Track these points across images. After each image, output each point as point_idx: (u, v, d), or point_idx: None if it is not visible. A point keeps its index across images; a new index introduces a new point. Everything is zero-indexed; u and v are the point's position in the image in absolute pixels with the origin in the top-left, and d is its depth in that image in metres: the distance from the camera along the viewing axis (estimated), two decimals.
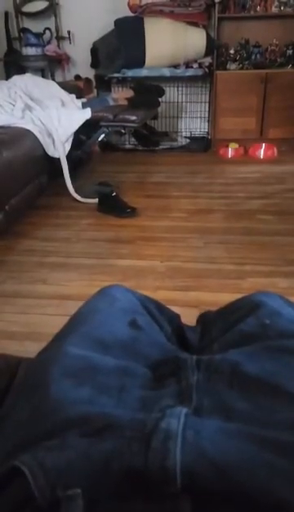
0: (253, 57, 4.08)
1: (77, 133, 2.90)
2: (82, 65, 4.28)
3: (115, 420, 0.42)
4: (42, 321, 1.68)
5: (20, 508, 0.38)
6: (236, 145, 4.10)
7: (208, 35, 3.91)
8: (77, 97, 3.30)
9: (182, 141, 4.39)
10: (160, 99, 3.66)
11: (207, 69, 4.04)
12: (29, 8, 4.20)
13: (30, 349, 1.48)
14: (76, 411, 0.45)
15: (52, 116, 2.79)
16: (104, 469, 0.37)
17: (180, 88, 4.28)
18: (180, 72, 4.03)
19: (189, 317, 0.93)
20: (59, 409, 0.46)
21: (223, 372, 0.51)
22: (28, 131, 2.65)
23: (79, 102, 3.16)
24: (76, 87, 3.64)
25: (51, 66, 4.28)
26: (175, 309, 0.83)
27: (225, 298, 1.90)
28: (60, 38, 4.30)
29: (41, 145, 2.71)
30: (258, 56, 4.08)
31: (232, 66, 4.08)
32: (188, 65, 4.04)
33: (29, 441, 0.43)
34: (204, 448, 0.38)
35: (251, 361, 0.52)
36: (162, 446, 0.37)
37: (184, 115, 4.46)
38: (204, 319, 0.88)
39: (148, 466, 0.36)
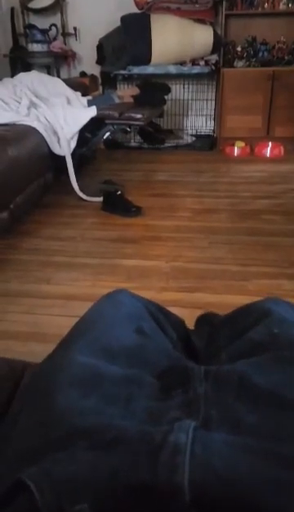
0: (260, 55, 4.05)
1: (82, 131, 2.89)
2: (87, 62, 4.28)
3: (123, 433, 0.42)
4: (46, 322, 1.68)
5: None
6: (242, 144, 4.08)
7: (215, 32, 3.89)
8: (83, 95, 3.29)
9: (188, 139, 4.37)
10: (166, 97, 3.64)
11: (213, 67, 4.02)
12: (35, 4, 4.19)
13: (35, 350, 1.49)
14: (83, 422, 0.44)
15: (58, 114, 2.78)
16: (112, 483, 0.37)
17: (186, 86, 4.26)
18: (186, 69, 4.01)
19: (193, 319, 0.92)
20: (66, 419, 0.45)
21: (231, 383, 0.51)
22: (34, 128, 2.64)
23: (85, 100, 3.15)
24: (81, 84, 3.64)
25: (56, 63, 4.26)
26: (180, 310, 0.82)
27: (230, 299, 1.90)
28: (66, 35, 4.29)
29: (46, 143, 2.70)
30: (265, 53, 4.05)
31: (239, 64, 4.05)
32: (194, 63, 4.02)
33: (36, 451, 0.43)
34: (213, 463, 0.37)
35: (259, 372, 0.51)
36: (170, 460, 0.37)
37: (190, 113, 4.44)
38: (208, 323, 0.87)
39: (156, 481, 0.36)
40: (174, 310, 0.80)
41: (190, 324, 0.87)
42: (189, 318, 0.86)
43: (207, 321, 0.90)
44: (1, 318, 1.73)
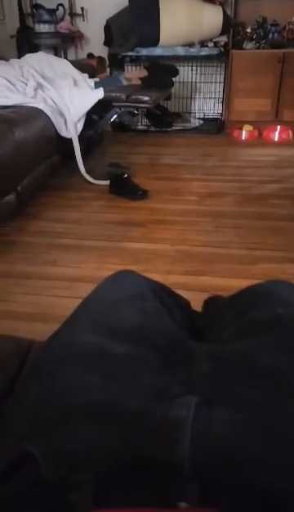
0: (270, 36, 3.98)
1: (89, 113, 2.87)
2: (95, 43, 4.22)
3: (125, 408, 0.43)
4: (52, 303, 1.70)
5: (31, 491, 0.38)
6: (250, 128, 4.03)
7: (225, 13, 3.82)
8: (90, 76, 3.25)
9: (195, 123, 4.33)
10: (174, 79, 3.59)
11: (222, 49, 3.95)
12: None
13: (40, 330, 1.50)
14: (86, 398, 0.45)
15: (65, 96, 2.76)
16: (113, 456, 0.38)
17: (194, 68, 4.20)
18: (194, 51, 3.94)
19: (198, 302, 0.92)
20: (69, 395, 0.46)
21: (234, 362, 0.51)
22: (41, 110, 2.63)
23: (92, 82, 3.12)
24: (89, 66, 3.59)
25: (63, 44, 4.22)
26: (185, 294, 0.83)
27: (235, 283, 1.91)
28: (73, 15, 4.23)
29: (53, 126, 2.69)
30: (275, 34, 3.98)
31: (248, 45, 3.98)
32: (203, 44, 3.95)
33: (40, 426, 0.44)
34: (213, 438, 0.38)
35: (263, 352, 0.52)
36: (171, 435, 0.38)
37: (197, 96, 4.38)
38: (214, 305, 0.88)
39: (157, 454, 0.37)
40: (179, 293, 0.81)
41: (196, 306, 0.87)
42: (194, 301, 0.86)
43: (212, 302, 0.90)
44: (7, 299, 1.75)
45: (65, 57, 4.07)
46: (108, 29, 3.95)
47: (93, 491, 0.35)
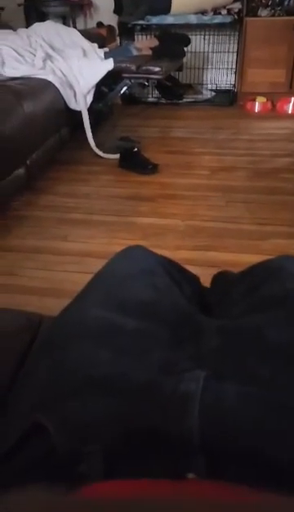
0: (286, 3, 3.84)
1: (98, 85, 2.82)
2: (104, 11, 4.11)
3: (135, 382, 0.43)
4: (62, 278, 1.71)
5: (42, 462, 0.39)
6: (263, 99, 3.94)
7: None
8: (100, 46, 3.18)
9: (207, 94, 4.24)
10: (185, 49, 3.50)
11: (236, 16, 3.82)
12: None
13: (50, 305, 1.52)
14: (97, 372, 0.46)
15: (73, 67, 2.70)
16: (123, 428, 0.38)
17: (206, 37, 4.08)
18: (207, 19, 3.82)
19: (207, 277, 0.92)
20: (79, 369, 0.47)
21: (244, 337, 0.51)
22: (49, 82, 2.58)
23: (101, 52, 3.05)
24: (98, 36, 3.50)
25: (72, 12, 4.12)
26: (195, 269, 0.82)
27: (245, 258, 1.91)
28: None
29: (62, 98, 2.65)
30: (291, 1, 3.84)
31: (263, 13, 3.85)
32: (216, 12, 3.82)
33: (52, 399, 0.44)
34: (222, 411, 0.38)
35: (273, 327, 0.52)
36: (180, 408, 0.38)
37: (210, 66, 4.28)
38: (223, 280, 0.88)
39: (166, 427, 0.37)
40: (189, 268, 0.80)
41: (205, 282, 0.87)
42: (204, 276, 0.86)
43: (222, 278, 0.90)
44: (17, 273, 1.76)
45: (74, 26, 3.98)
46: None
47: (103, 462, 0.35)
